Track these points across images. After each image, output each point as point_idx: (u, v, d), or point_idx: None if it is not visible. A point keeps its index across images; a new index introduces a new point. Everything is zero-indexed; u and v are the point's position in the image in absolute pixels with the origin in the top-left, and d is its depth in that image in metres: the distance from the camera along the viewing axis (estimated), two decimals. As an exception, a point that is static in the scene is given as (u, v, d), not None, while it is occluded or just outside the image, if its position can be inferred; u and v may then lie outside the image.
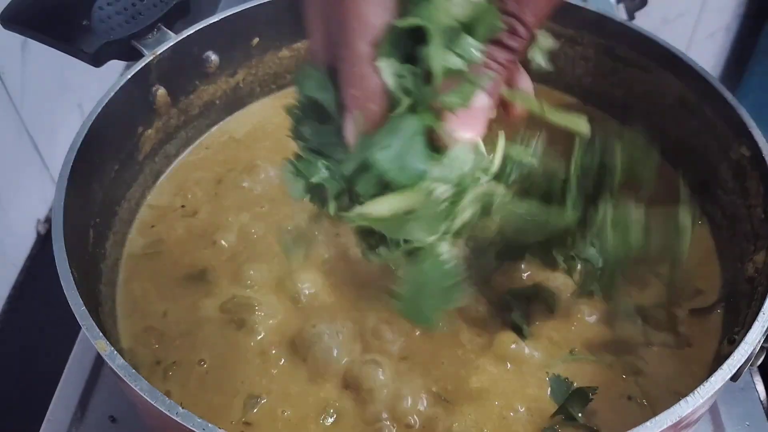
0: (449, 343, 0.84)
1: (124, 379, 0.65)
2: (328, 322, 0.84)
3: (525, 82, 0.72)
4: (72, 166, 0.81)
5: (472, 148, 0.62)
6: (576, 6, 1.05)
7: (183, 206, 1.01)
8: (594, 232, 0.75)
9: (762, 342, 0.69)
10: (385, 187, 0.61)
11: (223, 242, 0.95)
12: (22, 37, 0.96)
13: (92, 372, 0.98)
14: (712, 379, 0.66)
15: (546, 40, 0.75)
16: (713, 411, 0.92)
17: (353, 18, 0.57)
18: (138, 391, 0.64)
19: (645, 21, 1.75)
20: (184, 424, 0.61)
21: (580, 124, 0.72)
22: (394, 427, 0.77)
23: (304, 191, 0.67)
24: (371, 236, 0.66)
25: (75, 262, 0.74)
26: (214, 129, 1.10)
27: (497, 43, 0.61)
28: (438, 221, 0.63)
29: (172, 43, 0.96)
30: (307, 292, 0.88)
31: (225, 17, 1.00)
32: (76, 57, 0.93)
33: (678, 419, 0.63)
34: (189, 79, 1.02)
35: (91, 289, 0.82)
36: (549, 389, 0.80)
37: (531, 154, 0.69)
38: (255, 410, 0.79)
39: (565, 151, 0.76)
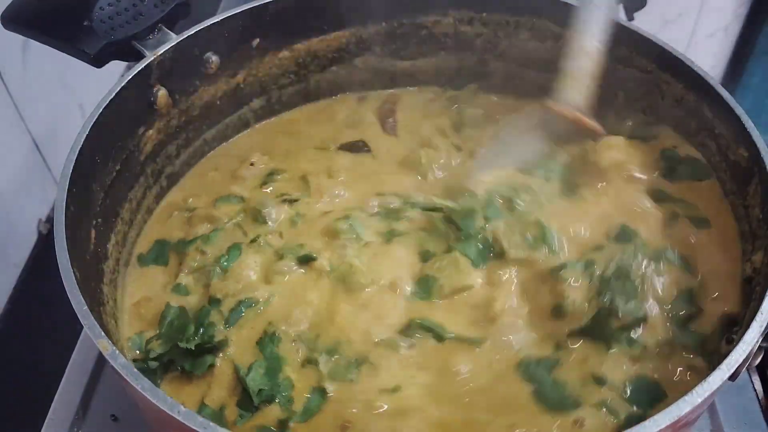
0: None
1: (126, 378, 0.65)
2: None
3: None
4: (73, 167, 0.81)
5: None
6: (576, 6, 1.05)
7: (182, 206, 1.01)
8: None
9: (760, 342, 0.69)
10: None
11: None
12: (23, 38, 0.96)
13: (94, 371, 0.98)
14: (711, 378, 0.66)
15: None
16: (711, 410, 0.93)
17: None
18: (140, 390, 0.64)
19: (644, 21, 1.75)
20: (186, 423, 0.62)
21: None
22: None
23: None
24: None
25: (77, 262, 0.74)
26: (212, 130, 1.10)
27: None
28: None
29: (173, 44, 0.96)
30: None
31: (225, 18, 1.01)
32: (76, 57, 0.93)
33: (676, 418, 0.63)
34: (190, 79, 1.02)
35: (93, 289, 0.82)
36: None
37: None
38: None
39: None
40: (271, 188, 1.02)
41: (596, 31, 0.96)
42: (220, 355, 0.83)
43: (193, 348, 0.82)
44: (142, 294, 0.92)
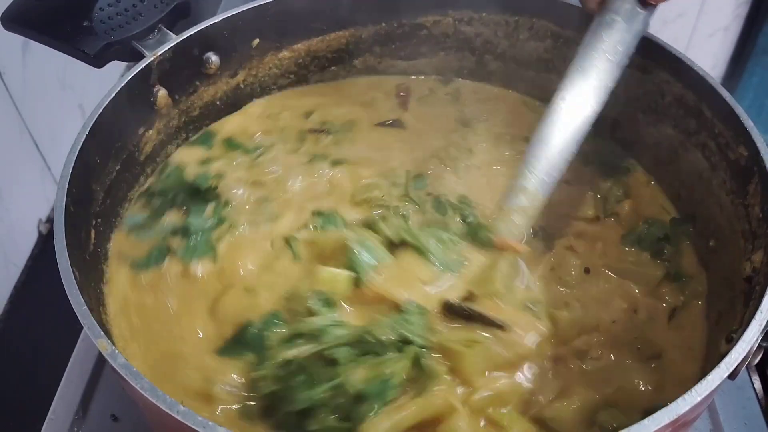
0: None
1: (126, 377, 0.65)
2: None
3: None
4: (73, 167, 0.82)
5: None
6: (575, 6, 1.05)
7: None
8: None
9: (759, 341, 0.69)
10: None
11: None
12: (23, 38, 0.96)
13: (94, 371, 0.98)
14: (710, 377, 0.66)
15: None
16: (711, 409, 0.93)
17: None
18: (139, 390, 0.64)
19: (644, 21, 1.75)
20: (185, 423, 0.62)
21: None
22: None
23: None
24: None
25: (76, 261, 0.74)
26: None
27: None
28: None
29: (172, 44, 0.96)
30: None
31: (225, 18, 1.01)
32: (77, 58, 0.93)
33: (676, 417, 0.63)
34: (190, 79, 1.02)
35: (93, 289, 0.83)
36: None
37: None
38: None
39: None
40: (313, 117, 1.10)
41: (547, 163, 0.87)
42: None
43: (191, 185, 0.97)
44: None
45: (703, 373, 0.67)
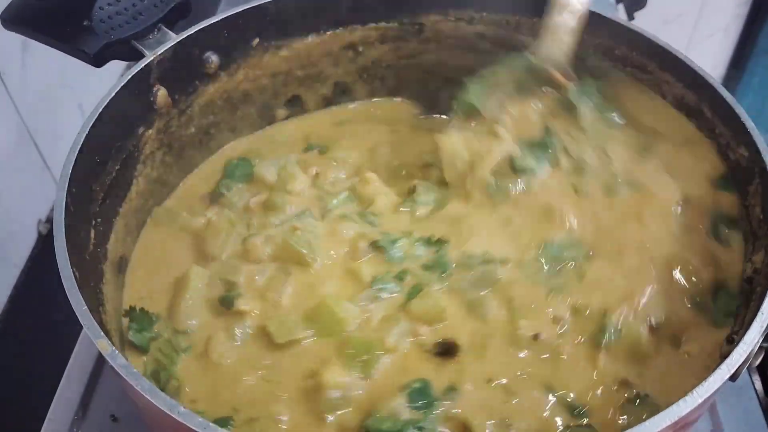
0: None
1: (126, 378, 0.65)
2: None
3: None
4: (73, 167, 0.81)
5: None
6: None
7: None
8: None
9: (760, 342, 0.69)
10: None
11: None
12: (23, 38, 0.96)
13: (93, 371, 0.98)
14: (711, 378, 0.66)
15: None
16: (712, 410, 0.93)
17: None
18: (139, 391, 0.64)
19: (645, 21, 1.76)
20: (185, 423, 0.62)
21: None
22: None
23: None
24: None
25: (76, 262, 0.74)
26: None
27: None
28: None
29: (172, 44, 0.96)
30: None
31: (225, 17, 1.01)
32: (76, 57, 0.93)
33: (677, 418, 0.63)
34: (189, 79, 1.02)
35: (93, 289, 0.82)
36: None
37: None
38: None
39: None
40: None
41: None
42: None
43: None
44: None
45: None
